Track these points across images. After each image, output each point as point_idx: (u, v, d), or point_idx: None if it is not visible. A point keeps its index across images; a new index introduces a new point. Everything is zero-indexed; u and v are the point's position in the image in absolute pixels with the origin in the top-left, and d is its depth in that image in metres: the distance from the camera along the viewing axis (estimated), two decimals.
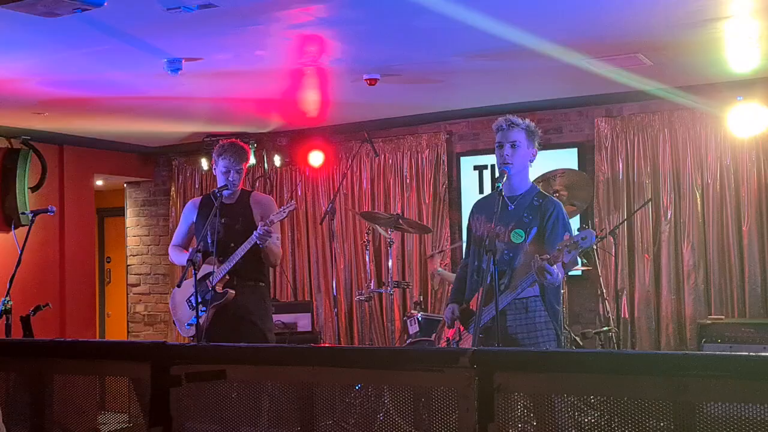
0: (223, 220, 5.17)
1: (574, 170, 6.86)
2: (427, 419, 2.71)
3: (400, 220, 6.64)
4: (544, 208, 4.25)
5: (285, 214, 5.16)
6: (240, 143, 5.37)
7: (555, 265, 3.94)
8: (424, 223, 7.78)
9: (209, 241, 5.13)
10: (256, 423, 2.97)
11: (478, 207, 4.54)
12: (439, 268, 7.46)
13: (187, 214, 5.49)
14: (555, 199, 4.38)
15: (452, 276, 7.34)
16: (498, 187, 4.21)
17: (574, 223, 7.25)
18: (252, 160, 8.42)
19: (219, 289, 5.09)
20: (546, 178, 6.15)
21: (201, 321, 5.01)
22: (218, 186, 5.25)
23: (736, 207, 6.93)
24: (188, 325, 5.21)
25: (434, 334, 6.21)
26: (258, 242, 5.02)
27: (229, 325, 5.12)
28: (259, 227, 5.02)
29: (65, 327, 8.43)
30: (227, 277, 5.13)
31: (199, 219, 5.34)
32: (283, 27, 5.05)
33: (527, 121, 4.35)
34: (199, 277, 5.09)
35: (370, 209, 8.22)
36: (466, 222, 4.67)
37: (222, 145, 5.33)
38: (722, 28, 5.28)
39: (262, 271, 5.30)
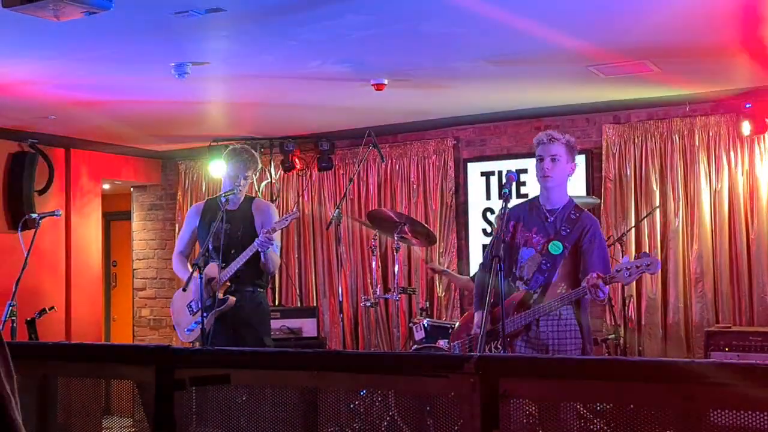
0: (226, 226, 5.16)
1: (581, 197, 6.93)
2: (432, 425, 2.70)
3: (406, 227, 6.61)
4: (581, 223, 4.31)
5: (287, 222, 5.15)
6: (250, 149, 5.36)
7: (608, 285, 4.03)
8: (431, 228, 7.76)
9: (211, 248, 5.13)
10: (260, 428, 2.96)
11: (512, 213, 4.48)
12: (445, 268, 7.41)
13: (190, 220, 5.48)
14: (591, 214, 4.42)
15: (460, 277, 7.30)
16: (505, 192, 4.23)
17: None
18: (259, 166, 8.43)
19: (220, 295, 5.09)
20: None
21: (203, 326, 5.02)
22: (224, 191, 5.24)
23: (745, 215, 6.90)
24: (188, 330, 5.21)
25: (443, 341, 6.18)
26: (259, 249, 5.02)
27: (228, 331, 5.12)
28: (260, 235, 5.01)
29: (70, 330, 8.43)
30: (227, 283, 5.13)
31: (202, 224, 5.33)
32: (290, 32, 5.05)
33: (567, 135, 4.42)
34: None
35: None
36: (487, 225, 4.70)
37: (233, 149, 5.32)
38: (730, 35, 5.27)
39: (260, 277, 5.29)
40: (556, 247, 4.27)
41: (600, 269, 4.13)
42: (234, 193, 5.20)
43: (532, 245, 4.33)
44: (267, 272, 5.31)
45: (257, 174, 5.42)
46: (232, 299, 5.11)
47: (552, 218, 4.34)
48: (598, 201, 7.20)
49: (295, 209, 5.39)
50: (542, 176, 4.34)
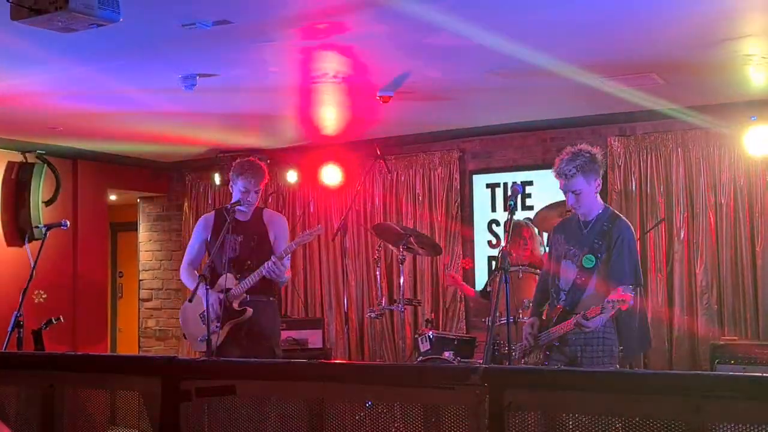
0: (239, 238, 5.19)
1: None
2: None
3: (411, 238, 6.61)
4: (612, 233, 4.36)
5: (309, 239, 5.20)
6: (259, 162, 5.38)
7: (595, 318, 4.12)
8: (436, 240, 7.76)
9: (225, 258, 5.14)
10: None
11: (557, 228, 4.67)
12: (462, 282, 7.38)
13: (200, 231, 5.48)
14: (625, 221, 4.46)
15: (469, 289, 7.25)
16: (510, 204, 4.30)
17: None
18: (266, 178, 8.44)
19: (236, 306, 5.10)
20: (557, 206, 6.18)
21: (214, 337, 5.02)
22: (232, 202, 5.26)
23: (750, 227, 6.90)
24: (200, 340, 5.21)
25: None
26: (265, 274, 5.04)
27: (243, 341, 5.13)
28: (272, 258, 5.03)
29: (77, 341, 8.44)
30: (243, 294, 5.14)
31: (213, 235, 5.34)
32: (297, 44, 5.07)
33: (583, 160, 4.34)
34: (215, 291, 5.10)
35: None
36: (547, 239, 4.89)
37: (242, 164, 5.33)
38: (736, 47, 5.27)
39: (273, 287, 5.32)
40: (589, 261, 4.34)
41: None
42: (240, 203, 5.21)
43: (570, 258, 4.42)
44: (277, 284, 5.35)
45: (263, 185, 5.44)
46: (249, 310, 5.13)
47: (586, 231, 4.42)
48: None
49: (319, 226, 5.42)
50: (568, 209, 4.49)
